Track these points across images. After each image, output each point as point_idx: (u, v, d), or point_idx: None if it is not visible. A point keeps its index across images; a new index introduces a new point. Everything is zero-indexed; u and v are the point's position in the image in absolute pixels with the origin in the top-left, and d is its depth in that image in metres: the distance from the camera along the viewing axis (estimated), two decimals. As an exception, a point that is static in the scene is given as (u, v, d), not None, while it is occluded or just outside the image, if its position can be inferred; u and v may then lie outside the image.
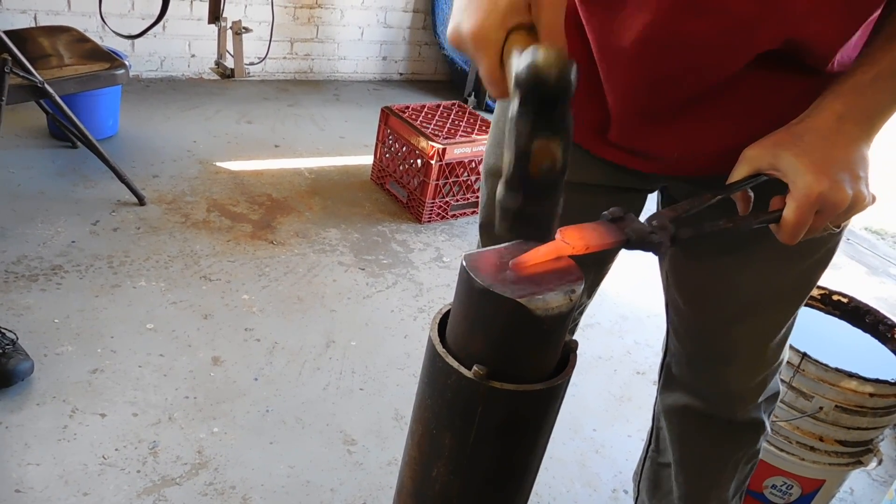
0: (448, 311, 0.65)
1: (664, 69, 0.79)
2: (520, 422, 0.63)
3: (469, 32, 0.58)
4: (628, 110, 0.85)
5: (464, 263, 0.60)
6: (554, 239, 0.59)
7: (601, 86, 0.85)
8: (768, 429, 1.18)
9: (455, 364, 0.61)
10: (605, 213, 0.65)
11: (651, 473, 1.34)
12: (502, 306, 0.57)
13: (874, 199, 0.74)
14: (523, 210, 0.54)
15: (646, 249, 0.64)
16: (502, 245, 0.63)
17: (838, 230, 0.92)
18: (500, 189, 0.55)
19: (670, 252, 1.05)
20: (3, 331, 1.67)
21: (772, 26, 0.73)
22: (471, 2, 0.59)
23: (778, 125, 0.82)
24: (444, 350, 0.62)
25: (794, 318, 1.06)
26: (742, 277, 0.98)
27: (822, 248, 0.96)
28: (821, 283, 1.69)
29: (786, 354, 1.12)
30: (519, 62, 0.49)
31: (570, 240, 0.59)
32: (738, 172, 0.75)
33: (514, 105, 0.51)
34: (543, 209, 0.54)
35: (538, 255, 0.59)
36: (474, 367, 0.59)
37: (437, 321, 0.65)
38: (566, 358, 0.65)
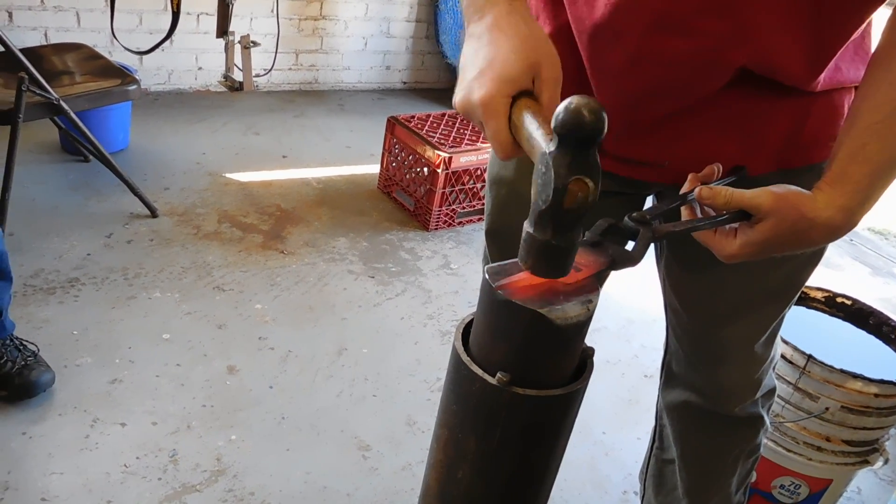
0: (471, 321, 0.68)
1: (650, 86, 0.84)
2: (541, 425, 0.66)
3: (479, 101, 0.66)
4: (617, 123, 0.89)
5: (486, 276, 0.63)
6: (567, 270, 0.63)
7: None
8: (767, 424, 1.22)
9: (479, 371, 0.64)
10: (584, 238, 0.69)
11: (656, 470, 1.37)
12: (524, 317, 0.61)
13: None
14: (549, 242, 0.58)
15: (627, 266, 0.69)
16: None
17: None
18: (527, 224, 0.60)
19: (665, 256, 1.10)
20: (24, 343, 1.70)
21: (744, 44, 0.77)
22: (479, 74, 0.67)
23: (761, 136, 0.86)
24: (468, 358, 0.65)
25: (784, 316, 1.09)
26: (732, 279, 1.02)
27: None
28: (825, 285, 1.72)
29: (777, 351, 1.16)
30: (558, 107, 0.54)
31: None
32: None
33: (551, 146, 0.55)
34: (567, 242, 0.59)
35: (531, 279, 0.63)
36: (498, 375, 0.63)
37: (461, 330, 0.68)
38: (583, 363, 0.68)
